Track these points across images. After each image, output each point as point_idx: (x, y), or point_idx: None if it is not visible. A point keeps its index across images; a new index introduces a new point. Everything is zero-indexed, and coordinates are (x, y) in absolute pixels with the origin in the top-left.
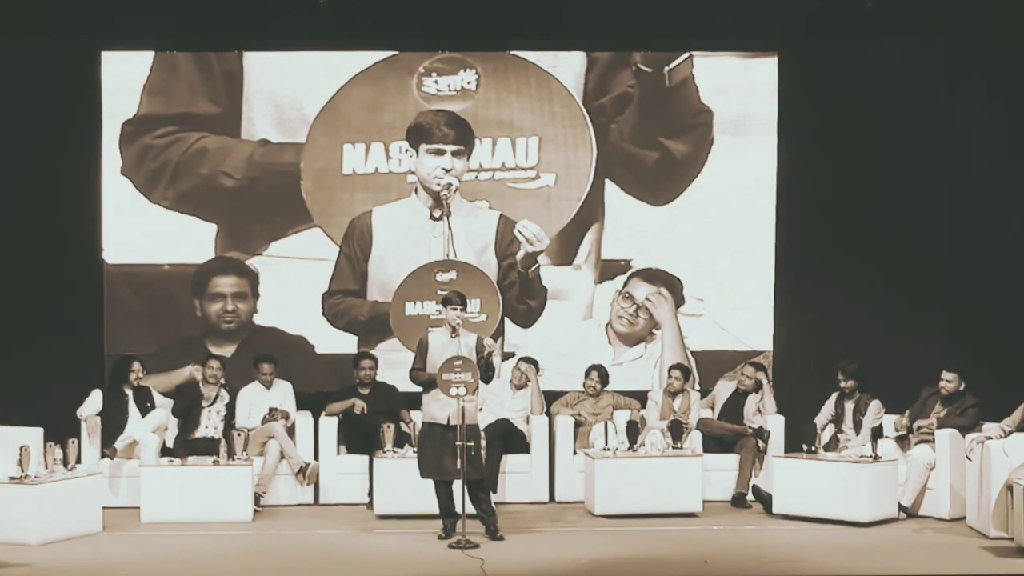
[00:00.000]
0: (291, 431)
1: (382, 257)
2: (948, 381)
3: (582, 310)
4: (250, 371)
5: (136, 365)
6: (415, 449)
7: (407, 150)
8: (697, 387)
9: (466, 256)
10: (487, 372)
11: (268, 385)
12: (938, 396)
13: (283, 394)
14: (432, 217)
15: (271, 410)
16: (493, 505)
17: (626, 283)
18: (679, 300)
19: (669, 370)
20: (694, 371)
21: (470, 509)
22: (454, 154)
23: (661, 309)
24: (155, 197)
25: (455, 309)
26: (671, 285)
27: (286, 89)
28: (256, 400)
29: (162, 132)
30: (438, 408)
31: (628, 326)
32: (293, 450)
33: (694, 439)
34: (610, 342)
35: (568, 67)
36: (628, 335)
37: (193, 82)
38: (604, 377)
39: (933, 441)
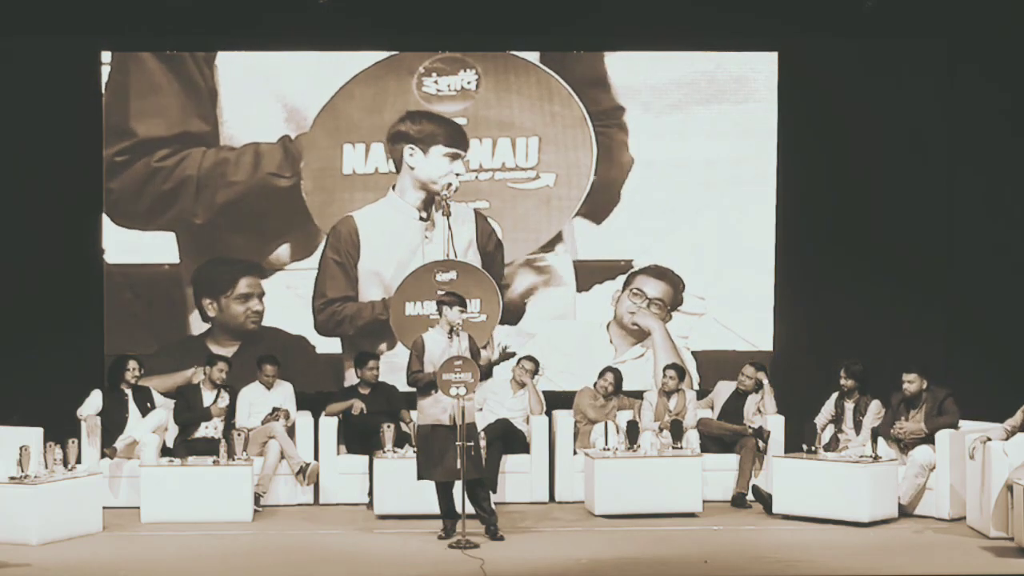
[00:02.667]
0: (291, 431)
1: (372, 259)
2: (909, 382)
3: (568, 309)
4: (251, 371)
5: (132, 364)
6: (415, 449)
7: (410, 152)
8: (696, 387)
9: (456, 254)
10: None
11: (269, 386)
12: (905, 401)
13: (284, 395)
14: (421, 218)
15: (274, 409)
16: (493, 505)
17: (630, 280)
18: (679, 299)
19: (664, 370)
20: (692, 370)
21: (470, 509)
22: (462, 160)
23: (643, 318)
24: (148, 224)
25: (454, 310)
26: (673, 283)
27: (286, 89)
28: (257, 400)
29: (160, 155)
30: (440, 410)
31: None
32: (293, 450)
33: (691, 439)
34: (611, 341)
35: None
36: (637, 331)
37: (187, 93)
38: (619, 381)
39: (932, 442)
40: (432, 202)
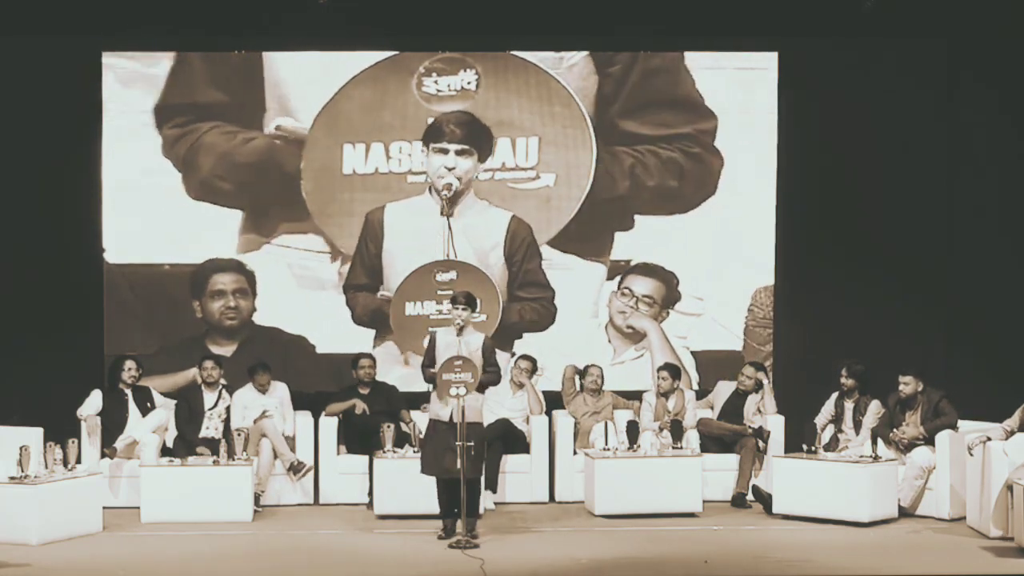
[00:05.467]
0: (291, 440)
1: (392, 253)
2: (905, 384)
3: (589, 308)
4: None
5: (129, 364)
6: (415, 449)
7: (422, 150)
8: (695, 387)
9: (470, 255)
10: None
11: (264, 391)
12: (901, 403)
13: (278, 397)
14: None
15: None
16: (482, 509)
17: (623, 279)
18: (673, 296)
19: (658, 371)
20: (691, 370)
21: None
22: (458, 153)
23: (638, 319)
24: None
25: (456, 308)
26: (665, 280)
27: (285, 89)
28: (251, 403)
29: (172, 123)
30: (441, 406)
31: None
32: (284, 447)
33: (690, 438)
34: (610, 341)
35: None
36: (633, 333)
37: (199, 75)
38: (602, 376)
39: (931, 444)
40: (452, 200)
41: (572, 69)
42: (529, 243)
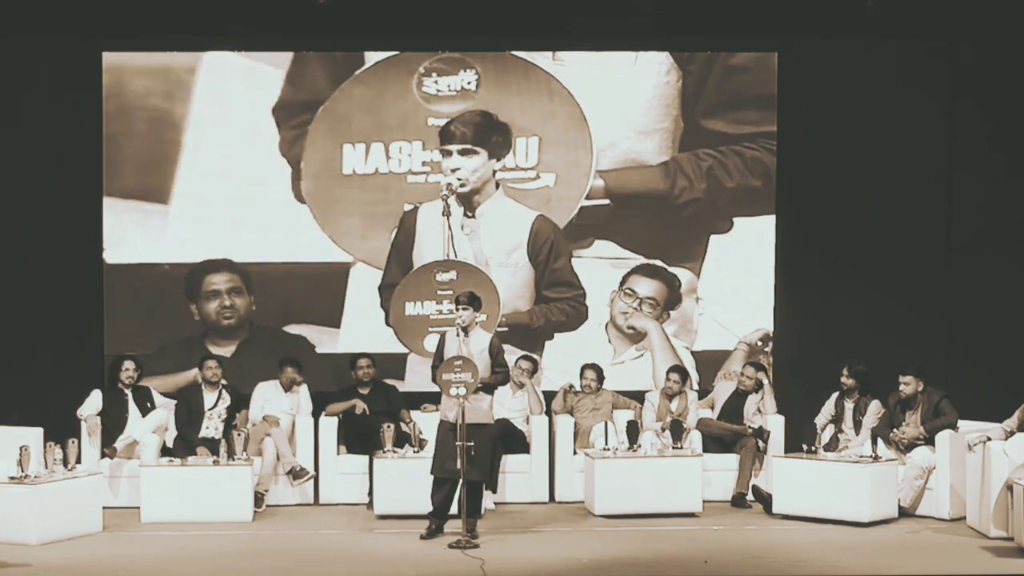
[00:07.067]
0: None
1: (422, 252)
2: (906, 384)
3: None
4: (250, 371)
5: (128, 364)
6: (415, 449)
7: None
8: (696, 387)
9: (494, 253)
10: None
11: (287, 388)
12: (901, 403)
13: (301, 398)
14: (466, 215)
15: (264, 418)
16: (483, 510)
17: (624, 280)
18: (675, 298)
19: (668, 372)
20: (691, 370)
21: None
22: (461, 153)
23: (639, 320)
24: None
25: (459, 309)
26: (667, 281)
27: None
28: (272, 398)
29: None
30: (448, 407)
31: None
32: (287, 449)
33: (693, 439)
34: (610, 341)
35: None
36: (634, 333)
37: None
38: (600, 376)
39: (931, 444)
40: (468, 201)
41: (648, 66)
42: (553, 242)
